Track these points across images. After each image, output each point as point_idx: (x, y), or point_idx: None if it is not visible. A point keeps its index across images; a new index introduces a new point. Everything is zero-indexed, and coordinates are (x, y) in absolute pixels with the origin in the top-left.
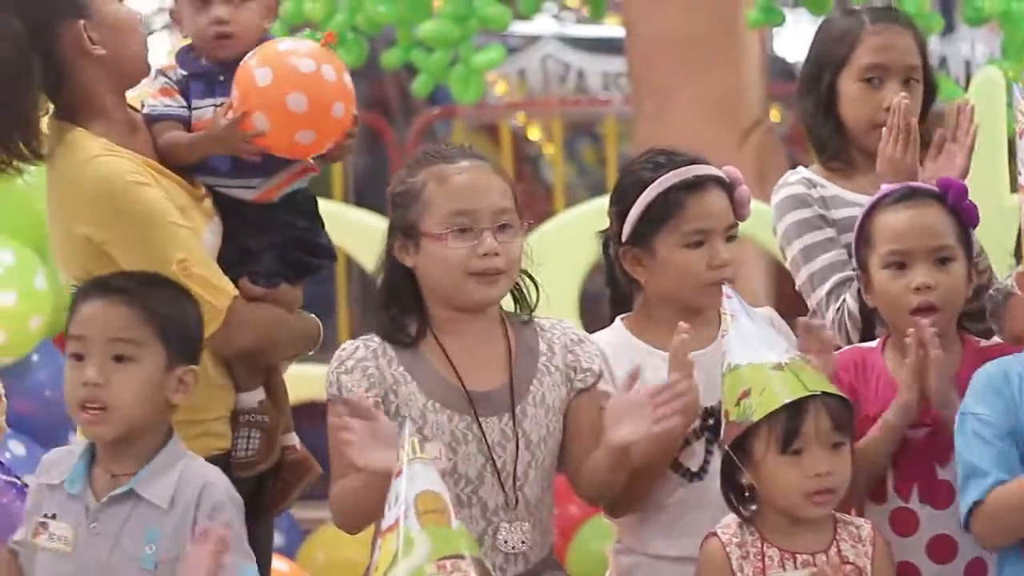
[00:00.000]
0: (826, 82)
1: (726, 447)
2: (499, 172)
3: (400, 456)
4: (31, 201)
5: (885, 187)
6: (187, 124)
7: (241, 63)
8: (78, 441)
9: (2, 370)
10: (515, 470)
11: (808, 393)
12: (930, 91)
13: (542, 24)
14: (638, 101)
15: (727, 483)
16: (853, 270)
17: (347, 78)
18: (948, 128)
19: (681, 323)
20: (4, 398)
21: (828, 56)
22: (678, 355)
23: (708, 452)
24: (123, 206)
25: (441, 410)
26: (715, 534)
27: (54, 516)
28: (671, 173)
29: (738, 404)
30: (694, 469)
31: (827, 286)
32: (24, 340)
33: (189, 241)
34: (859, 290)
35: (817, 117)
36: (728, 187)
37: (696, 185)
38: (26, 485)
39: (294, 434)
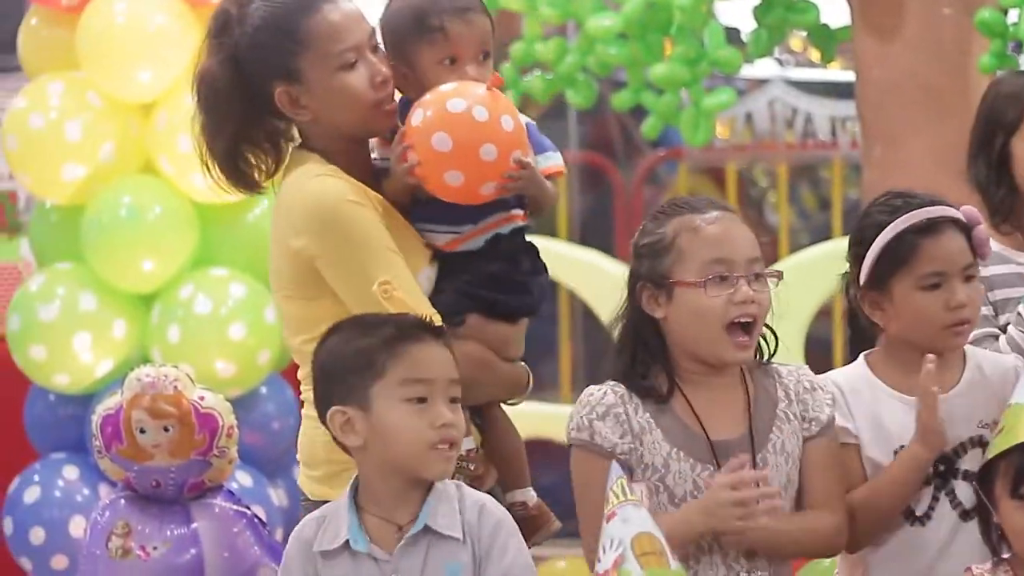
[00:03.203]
0: (999, 144)
1: (974, 483)
2: (745, 222)
3: (610, 498)
4: (261, 236)
5: None
6: None
7: (415, 105)
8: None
9: (231, 402)
10: None
11: None
12: None
13: (767, 67)
14: (867, 146)
15: (983, 520)
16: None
17: (506, 121)
18: None
19: (928, 356)
20: (236, 429)
21: (1000, 118)
22: (925, 386)
23: (935, 498)
24: (336, 222)
25: (684, 459)
26: (970, 570)
27: None
28: (904, 216)
29: (993, 442)
30: (918, 513)
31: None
32: (253, 373)
33: (397, 266)
34: None
35: (990, 179)
36: (966, 227)
37: (930, 227)
38: (255, 515)
39: (529, 490)
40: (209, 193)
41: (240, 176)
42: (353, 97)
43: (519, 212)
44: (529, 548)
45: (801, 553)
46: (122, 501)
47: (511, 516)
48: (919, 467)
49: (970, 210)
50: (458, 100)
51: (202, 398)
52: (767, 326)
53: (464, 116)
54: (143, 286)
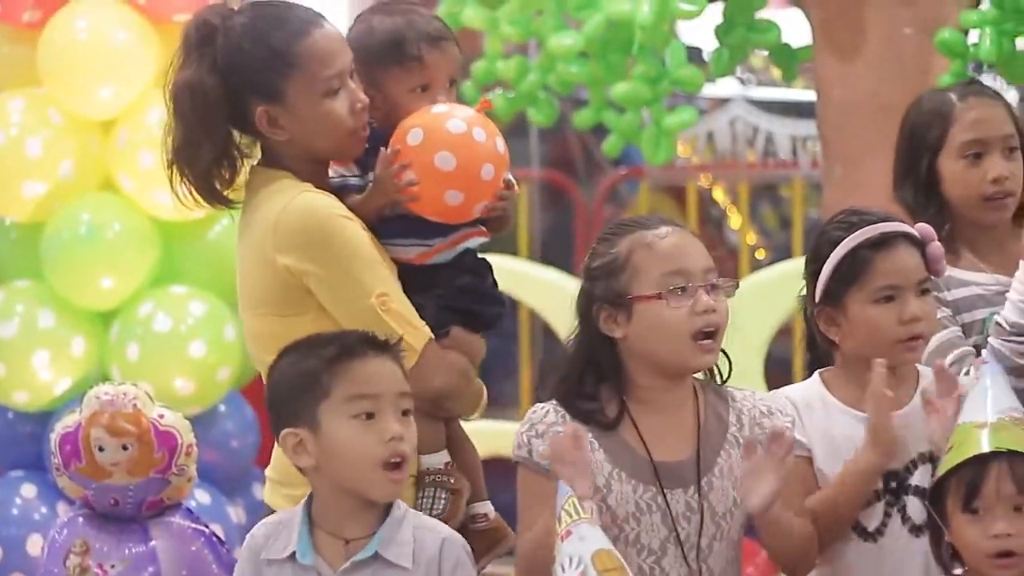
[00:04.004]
0: (925, 165)
1: (926, 502)
2: (705, 241)
3: (562, 518)
4: (221, 254)
5: None
6: (362, 192)
7: (404, 124)
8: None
9: (190, 420)
10: (699, 542)
11: (985, 451)
12: None
13: (729, 86)
14: (827, 166)
15: (934, 539)
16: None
17: (500, 143)
18: None
19: (878, 360)
20: (195, 447)
21: (923, 139)
22: (876, 391)
23: (887, 514)
24: (327, 237)
25: (627, 480)
26: None
27: None
28: (859, 232)
29: (943, 459)
30: (870, 529)
31: (947, 361)
32: (212, 390)
33: (389, 279)
34: None
35: (919, 201)
36: (920, 243)
37: (883, 242)
38: (214, 533)
39: (488, 503)
40: (169, 210)
41: (214, 191)
42: (335, 123)
43: (483, 228)
44: (488, 563)
45: (794, 556)
46: (80, 519)
47: (469, 531)
48: (871, 475)
49: (924, 227)
50: (457, 121)
51: (161, 416)
52: (723, 351)
53: (466, 137)
54: (102, 303)
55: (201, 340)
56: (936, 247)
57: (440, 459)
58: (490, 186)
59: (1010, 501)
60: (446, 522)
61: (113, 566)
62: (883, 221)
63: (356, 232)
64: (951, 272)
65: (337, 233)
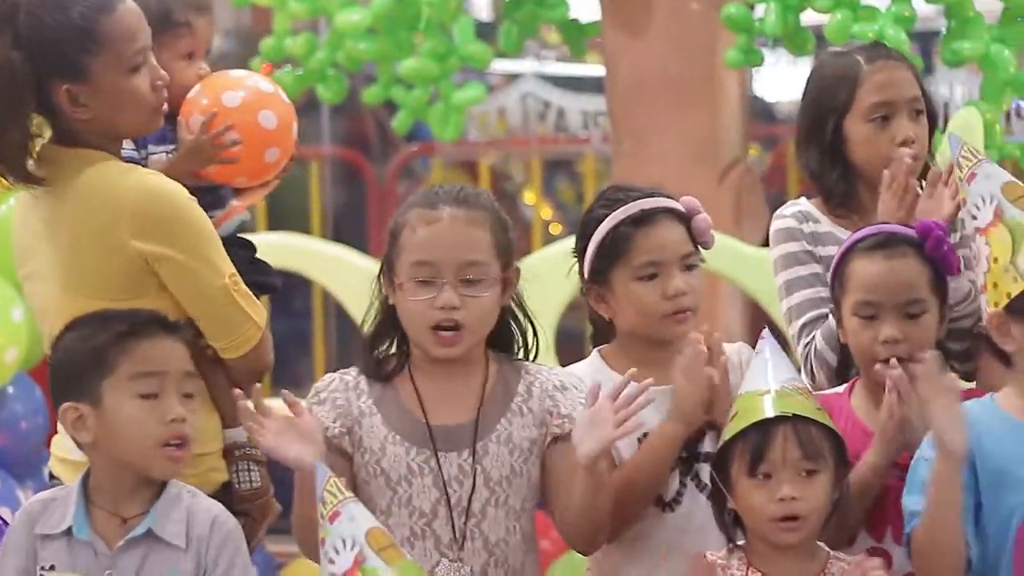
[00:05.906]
0: (831, 127)
1: (710, 469)
2: (482, 224)
3: (325, 499)
4: (7, 235)
5: (863, 230)
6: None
7: (206, 89)
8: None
9: None
10: (470, 507)
11: (770, 415)
12: (932, 120)
13: (522, 62)
14: (616, 140)
15: (717, 507)
16: (830, 309)
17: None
18: (943, 171)
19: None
20: None
21: (829, 101)
22: (681, 365)
23: (682, 484)
24: (185, 221)
25: (400, 442)
26: (703, 555)
27: (52, 567)
28: (620, 209)
29: (726, 427)
30: (667, 499)
31: (801, 320)
32: (0, 372)
33: (228, 259)
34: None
35: (824, 163)
36: (684, 217)
37: (644, 218)
38: (0, 516)
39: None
40: None
41: (24, 170)
42: (139, 100)
43: (238, 205)
44: (263, 531)
45: (601, 520)
46: None
47: (239, 526)
48: (674, 443)
49: (689, 200)
50: (264, 81)
51: None
52: (529, 322)
53: (277, 95)
54: None
55: None
56: (702, 219)
57: (243, 431)
58: (294, 143)
59: (795, 465)
60: (263, 495)
61: None
62: (647, 197)
63: (204, 214)
64: (831, 229)
65: (194, 217)
